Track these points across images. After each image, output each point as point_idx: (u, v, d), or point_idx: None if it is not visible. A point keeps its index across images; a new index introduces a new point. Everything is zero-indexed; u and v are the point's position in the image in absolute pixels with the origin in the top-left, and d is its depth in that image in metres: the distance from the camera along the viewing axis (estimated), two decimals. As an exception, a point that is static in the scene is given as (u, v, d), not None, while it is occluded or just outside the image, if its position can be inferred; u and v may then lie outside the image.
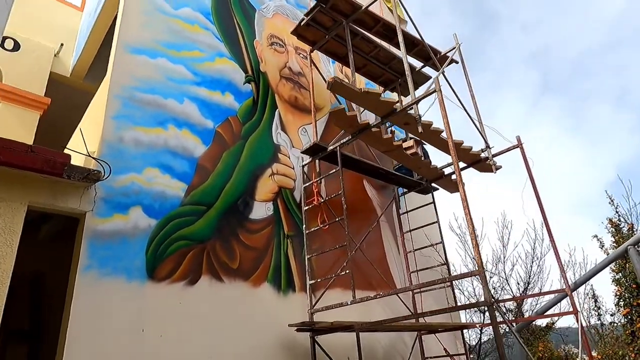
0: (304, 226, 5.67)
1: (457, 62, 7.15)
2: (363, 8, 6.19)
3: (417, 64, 7.64)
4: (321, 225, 5.59)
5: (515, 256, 9.18)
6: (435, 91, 4.67)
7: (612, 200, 7.97)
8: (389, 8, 10.87)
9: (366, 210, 7.10)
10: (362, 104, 5.22)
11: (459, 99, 6.28)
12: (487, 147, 6.22)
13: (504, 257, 9.01)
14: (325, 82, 7.15)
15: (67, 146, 5.39)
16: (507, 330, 7.84)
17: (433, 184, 7.14)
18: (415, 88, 8.12)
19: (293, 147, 6.30)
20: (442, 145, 5.99)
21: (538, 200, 5.66)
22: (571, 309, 5.39)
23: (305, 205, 5.79)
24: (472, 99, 6.58)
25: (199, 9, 6.02)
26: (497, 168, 6.37)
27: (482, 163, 6.34)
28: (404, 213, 7.28)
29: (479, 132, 6.21)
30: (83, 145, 4.32)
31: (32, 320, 5.96)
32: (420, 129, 4.86)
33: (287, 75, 6.90)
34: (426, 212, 7.27)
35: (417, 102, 4.89)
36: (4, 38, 7.31)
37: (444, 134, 6.47)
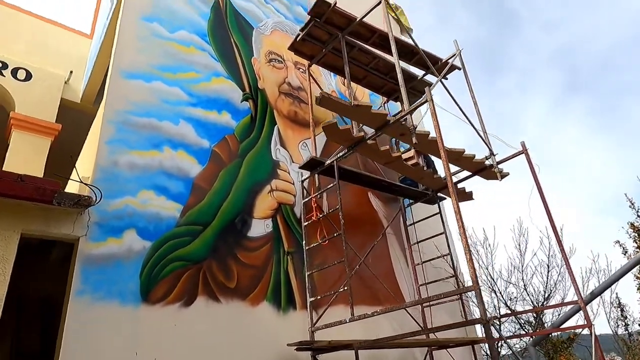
0: (304, 242, 5.61)
1: (459, 69, 7.02)
2: (357, 20, 6.16)
3: (422, 72, 7.55)
4: (320, 241, 5.52)
5: (534, 264, 8.83)
6: (426, 101, 4.56)
7: (632, 204, 7.59)
8: (392, 17, 10.81)
9: (372, 223, 6.99)
10: (353, 118, 5.16)
11: (458, 107, 6.14)
12: (491, 154, 6.04)
13: (522, 266, 8.69)
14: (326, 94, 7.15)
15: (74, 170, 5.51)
16: (525, 343, 7.53)
17: (440, 194, 6.98)
18: (419, 97, 8.02)
19: (293, 162, 6.28)
20: (438, 154, 5.84)
21: (546, 208, 5.43)
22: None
23: (305, 220, 5.74)
24: (474, 105, 6.43)
25: (195, 30, 6.12)
26: (504, 175, 6.17)
27: (487, 171, 6.15)
28: (410, 224, 7.13)
29: (482, 139, 6.04)
30: (91, 169, 4.41)
31: (43, 342, 6.08)
32: (414, 140, 4.75)
33: (286, 90, 6.92)
34: (435, 222, 7.09)
35: (409, 112, 4.80)
36: (17, 68, 7.62)
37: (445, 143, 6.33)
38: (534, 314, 7.88)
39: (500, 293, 7.57)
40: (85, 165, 4.55)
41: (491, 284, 7.53)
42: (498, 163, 6.01)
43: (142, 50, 5.38)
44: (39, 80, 7.75)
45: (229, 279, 4.84)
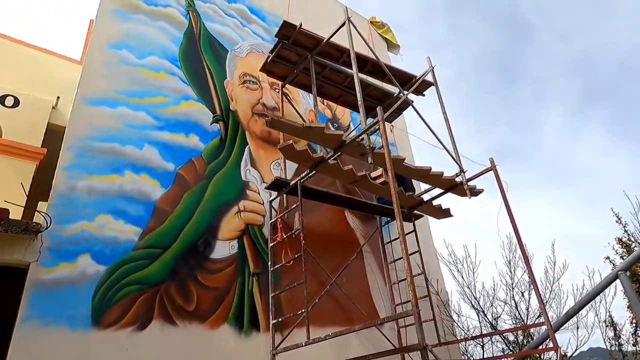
0: (269, 263, 5.59)
1: (433, 84, 6.99)
2: (324, 41, 6.22)
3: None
4: (285, 262, 5.49)
5: (526, 281, 8.57)
6: (377, 122, 4.55)
7: (619, 219, 7.33)
8: (380, 34, 10.90)
9: (349, 242, 6.93)
10: (307, 139, 5.17)
11: (426, 125, 6.10)
12: (461, 171, 5.95)
13: (512, 283, 8.46)
14: (300, 115, 7.20)
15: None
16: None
17: (416, 212, 6.89)
18: (399, 113, 8.01)
19: (264, 182, 6.30)
20: (408, 173, 5.81)
21: (513, 226, 5.29)
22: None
23: (271, 241, 5.73)
24: (446, 122, 6.37)
25: (166, 56, 6.27)
26: (477, 192, 6.06)
27: (458, 188, 6.06)
28: (387, 243, 7.04)
29: (451, 156, 5.97)
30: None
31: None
32: (370, 160, 4.73)
33: (259, 111, 6.99)
34: (414, 241, 7.00)
35: (365, 132, 4.78)
36: (5, 96, 7.89)
37: (408, 162, 6.29)
38: (522, 333, 7.63)
39: (483, 312, 7.36)
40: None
41: (474, 303, 7.34)
42: (468, 180, 5.91)
43: (109, 77, 5.52)
44: (27, 106, 7.98)
45: (187, 302, 4.84)
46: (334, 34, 6.12)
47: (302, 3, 9.08)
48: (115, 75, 5.59)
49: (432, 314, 6.05)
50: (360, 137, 4.86)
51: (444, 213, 6.95)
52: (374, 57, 6.41)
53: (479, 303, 7.33)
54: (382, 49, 10.72)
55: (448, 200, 6.49)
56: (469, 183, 5.96)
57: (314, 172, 5.41)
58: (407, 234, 6.71)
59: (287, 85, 7.05)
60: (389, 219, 7.15)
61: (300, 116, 7.14)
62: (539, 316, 8.46)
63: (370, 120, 5.25)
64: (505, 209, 5.43)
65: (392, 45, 10.96)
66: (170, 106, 5.92)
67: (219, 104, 6.49)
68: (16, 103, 7.97)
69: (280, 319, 5.21)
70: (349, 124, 8.38)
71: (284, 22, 6.02)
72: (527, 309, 7.44)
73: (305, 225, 6.43)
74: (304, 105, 7.81)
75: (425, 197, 6.61)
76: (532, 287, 8.16)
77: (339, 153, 5.14)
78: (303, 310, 4.77)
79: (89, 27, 9.28)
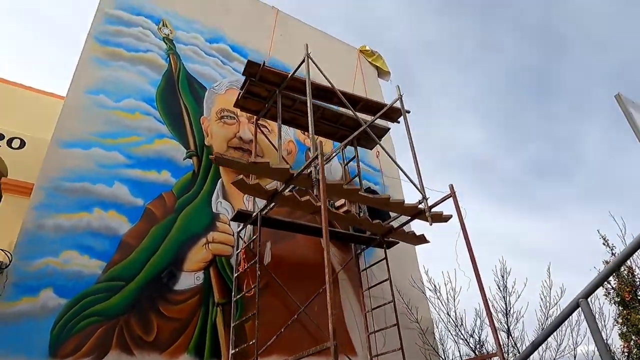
0: (233, 293, 5.75)
1: (408, 112, 7.09)
2: (289, 77, 6.48)
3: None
4: (244, 292, 5.64)
5: (524, 307, 8.28)
6: (316, 155, 4.71)
7: (606, 241, 7.01)
8: (369, 62, 11.12)
9: (324, 269, 6.98)
10: (256, 174, 5.37)
11: (389, 155, 6.19)
12: (424, 198, 5.97)
13: (507, 309, 8.18)
14: (274, 147, 7.44)
15: None
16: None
17: (391, 238, 6.90)
18: (375, 143, 8.11)
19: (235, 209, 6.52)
20: (367, 202, 5.89)
21: (470, 254, 5.24)
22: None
23: (235, 271, 5.91)
24: (411, 149, 6.43)
25: (142, 98, 6.71)
26: (442, 219, 6.04)
27: (423, 215, 6.07)
28: (363, 270, 7.06)
29: (414, 184, 6.00)
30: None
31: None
32: (315, 192, 4.87)
33: (235, 145, 7.28)
34: (393, 267, 6.99)
35: (306, 166, 4.94)
36: (12, 138, 8.60)
37: (395, 189, 6.35)
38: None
39: (465, 339, 7.15)
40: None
41: (455, 329, 7.15)
42: (431, 207, 5.92)
43: (84, 120, 5.98)
44: (32, 147, 8.67)
45: (147, 333, 5.05)
46: (296, 69, 6.36)
47: (287, 37, 9.46)
48: (91, 118, 6.04)
49: (400, 343, 5.98)
50: (306, 171, 5.01)
51: (418, 239, 6.93)
52: (344, 90, 6.60)
53: (460, 331, 7.13)
54: (372, 76, 10.94)
55: (441, 226, 6.41)
56: (434, 209, 5.96)
57: (272, 204, 5.59)
58: (378, 261, 6.76)
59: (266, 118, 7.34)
60: (363, 246, 7.18)
61: (275, 148, 7.37)
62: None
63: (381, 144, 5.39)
64: (463, 234, 5.39)
65: (382, 72, 11.15)
66: (143, 145, 6.30)
67: (193, 141, 6.84)
68: (22, 144, 8.66)
69: (237, 349, 5.32)
70: (331, 152, 8.55)
71: (249, 60, 6.36)
72: (508, 336, 7.17)
73: (277, 254, 6.60)
74: (283, 136, 8.06)
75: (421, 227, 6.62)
76: (519, 313, 7.90)
77: (292, 185, 5.31)
78: (254, 342, 4.88)
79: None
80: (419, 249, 8.52)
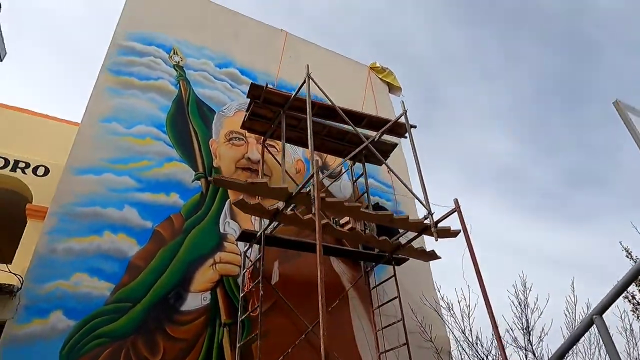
0: (239, 313, 5.78)
1: (414, 127, 7.06)
2: (292, 97, 6.60)
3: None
4: (249, 312, 5.66)
5: (546, 325, 7.93)
6: (312, 174, 4.74)
7: (629, 254, 6.64)
8: (380, 78, 11.18)
9: (335, 288, 6.95)
10: (256, 194, 5.44)
11: (391, 171, 6.16)
12: (429, 213, 5.87)
13: (529, 327, 7.84)
14: (281, 166, 7.53)
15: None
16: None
17: (400, 255, 6.79)
18: (384, 156, 8.11)
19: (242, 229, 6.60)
20: (370, 219, 5.85)
21: (476, 269, 5.09)
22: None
23: (242, 291, 5.95)
24: (416, 165, 6.37)
25: (153, 123, 6.96)
26: (448, 234, 5.92)
27: (429, 230, 5.97)
28: (373, 288, 6.96)
29: (418, 200, 5.94)
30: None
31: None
32: (313, 209, 4.88)
33: (244, 165, 7.42)
34: (407, 283, 6.88)
35: (304, 185, 4.98)
36: (37, 166, 9.06)
37: (407, 204, 6.30)
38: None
39: (483, 359, 6.87)
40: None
41: (472, 349, 6.89)
42: (436, 222, 5.81)
43: (96, 148, 6.25)
44: (55, 174, 9.09)
45: (153, 354, 5.13)
46: (298, 90, 6.47)
47: (296, 58, 9.65)
48: (103, 145, 6.32)
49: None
50: (304, 189, 5.05)
51: (429, 256, 6.80)
52: (346, 108, 6.66)
53: (476, 350, 6.88)
54: (383, 92, 10.98)
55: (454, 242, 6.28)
56: (441, 224, 5.85)
57: (275, 223, 5.64)
58: (387, 279, 6.66)
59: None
60: (373, 263, 7.09)
61: (282, 167, 7.46)
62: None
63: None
64: (468, 249, 5.26)
65: (393, 88, 11.18)
66: (154, 168, 6.51)
67: (202, 163, 7.01)
68: (46, 172, 9.10)
69: (243, 370, 5.32)
70: (340, 169, 8.57)
71: (252, 83, 6.52)
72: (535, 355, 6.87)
73: (286, 273, 6.61)
74: (291, 154, 8.16)
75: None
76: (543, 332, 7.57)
77: (293, 204, 5.35)
78: (256, 362, 4.88)
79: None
80: (434, 264, 8.36)
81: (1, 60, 4.42)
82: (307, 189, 5.09)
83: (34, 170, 8.99)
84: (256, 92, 6.58)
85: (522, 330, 8.01)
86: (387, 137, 7.66)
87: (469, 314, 6.98)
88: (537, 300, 8.17)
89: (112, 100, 6.82)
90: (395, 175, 6.00)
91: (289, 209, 5.46)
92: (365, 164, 8.09)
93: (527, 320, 8.04)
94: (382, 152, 7.86)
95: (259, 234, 5.88)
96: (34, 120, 9.87)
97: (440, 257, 6.83)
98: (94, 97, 6.70)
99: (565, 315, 8.24)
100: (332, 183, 8.09)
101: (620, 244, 7.00)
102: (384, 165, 8.64)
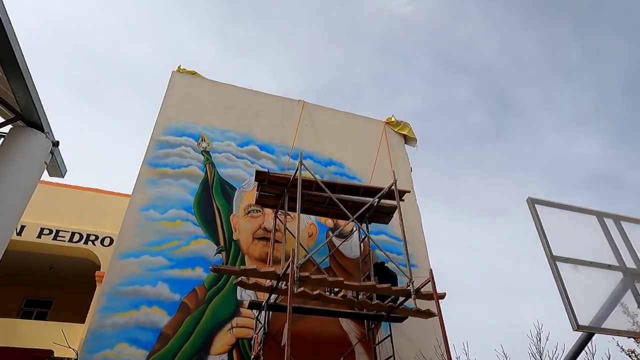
0: (250, 374, 6.80)
1: (402, 200, 7.76)
2: (291, 178, 7.66)
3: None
4: (257, 374, 6.64)
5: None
6: (289, 262, 5.69)
7: None
8: (395, 131, 11.94)
9: (342, 345, 7.73)
10: (250, 276, 6.45)
11: (377, 246, 6.90)
12: (410, 282, 6.53)
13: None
14: (293, 236, 8.57)
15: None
16: None
17: (394, 314, 7.42)
18: (386, 218, 8.82)
19: (258, 299, 7.68)
20: (355, 289, 6.61)
21: (445, 341, 5.64)
22: None
23: (252, 353, 6.96)
24: (402, 233, 7.08)
25: (183, 206, 8.37)
26: (439, 297, 6.50)
27: (411, 297, 6.60)
28: (376, 345, 7.63)
29: (399, 268, 6.62)
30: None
31: None
32: (296, 290, 5.82)
33: (260, 235, 8.56)
34: (414, 336, 7.47)
35: (286, 269, 5.93)
36: (104, 238, 10.97)
37: (418, 258, 7.05)
38: None
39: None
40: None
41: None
42: (416, 290, 6.45)
43: (137, 234, 7.74)
44: (118, 243, 10.92)
45: (178, 410, 6.29)
46: (294, 174, 7.51)
47: (312, 125, 10.76)
48: (142, 232, 7.79)
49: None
50: (289, 269, 6.00)
51: (425, 314, 7.35)
52: (345, 181, 7.56)
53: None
54: (399, 145, 11.69)
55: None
56: (424, 289, 6.48)
57: (274, 295, 6.64)
58: (383, 339, 7.33)
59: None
60: (376, 322, 7.78)
61: (293, 235, 8.50)
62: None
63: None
64: (439, 322, 5.84)
65: (409, 140, 11.85)
66: (182, 247, 7.86)
67: (223, 237, 8.27)
68: (112, 242, 10.96)
69: None
70: (352, 229, 9.39)
71: (257, 171, 7.70)
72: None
73: (295, 332, 7.51)
74: (305, 220, 9.16)
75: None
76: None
77: (284, 282, 6.33)
78: (255, 420, 5.82)
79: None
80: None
81: (62, 177, 5.97)
82: (291, 271, 6.04)
83: (102, 241, 10.89)
84: (261, 177, 7.75)
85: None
86: (385, 202, 8.39)
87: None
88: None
89: (150, 191, 8.35)
90: (380, 248, 6.72)
91: (283, 285, 6.45)
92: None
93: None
94: (385, 214, 8.62)
95: (263, 303, 6.91)
96: (101, 197, 11.91)
97: (436, 315, 7.35)
98: (136, 189, 8.27)
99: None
100: (342, 243, 8.96)
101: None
102: (393, 219, 9.39)
